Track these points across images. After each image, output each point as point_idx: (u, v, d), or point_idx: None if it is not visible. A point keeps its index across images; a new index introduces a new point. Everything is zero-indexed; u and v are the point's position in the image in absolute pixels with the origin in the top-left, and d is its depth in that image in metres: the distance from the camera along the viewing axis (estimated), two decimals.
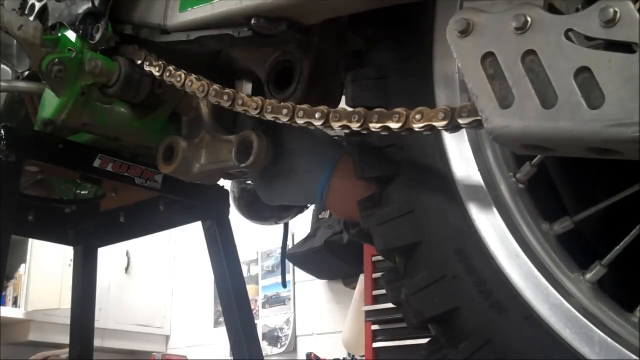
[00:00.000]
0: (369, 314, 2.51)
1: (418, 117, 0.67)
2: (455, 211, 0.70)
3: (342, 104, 0.84)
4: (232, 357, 1.30)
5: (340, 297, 3.98)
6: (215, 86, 0.86)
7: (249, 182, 1.09)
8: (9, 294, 5.03)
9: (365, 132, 0.71)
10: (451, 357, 0.68)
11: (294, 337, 4.81)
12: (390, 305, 2.03)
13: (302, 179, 0.94)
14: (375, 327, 2.49)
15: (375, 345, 2.47)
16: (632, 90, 0.52)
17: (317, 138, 0.95)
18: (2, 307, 4.76)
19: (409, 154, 0.75)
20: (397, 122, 0.68)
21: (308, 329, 4.65)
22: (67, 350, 1.51)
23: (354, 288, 3.17)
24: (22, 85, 1.10)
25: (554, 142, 0.58)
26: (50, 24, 1.03)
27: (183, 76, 0.89)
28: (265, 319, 5.02)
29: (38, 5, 1.07)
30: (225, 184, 1.18)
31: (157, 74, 0.93)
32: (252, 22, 0.79)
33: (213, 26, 0.85)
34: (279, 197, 0.98)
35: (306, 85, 0.96)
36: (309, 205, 1.20)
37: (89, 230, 1.41)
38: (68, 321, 1.43)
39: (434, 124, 0.65)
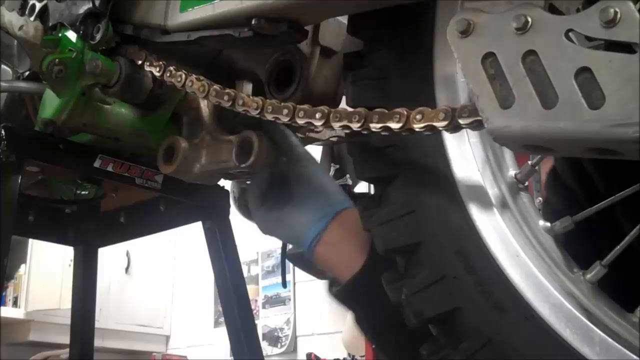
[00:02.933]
0: None
1: (418, 117, 0.67)
2: (455, 211, 0.70)
3: (342, 104, 0.84)
4: (232, 357, 1.30)
5: None
6: (216, 86, 0.86)
7: (249, 182, 1.09)
8: (9, 294, 5.03)
9: (365, 132, 0.71)
10: (451, 357, 0.68)
11: (294, 337, 4.81)
12: None
13: (296, 222, 0.92)
14: None
15: None
16: (632, 90, 0.52)
17: (324, 184, 0.93)
18: (2, 307, 4.77)
19: (409, 154, 0.75)
20: (398, 122, 0.68)
21: (308, 329, 4.65)
22: (67, 350, 1.51)
23: None
24: (22, 85, 1.10)
25: (554, 142, 0.58)
26: (50, 24, 1.03)
27: (183, 76, 0.89)
28: (265, 319, 5.02)
29: (38, 6, 1.06)
30: (226, 184, 1.18)
31: (157, 74, 0.93)
32: (253, 22, 0.79)
33: (213, 26, 0.85)
34: (270, 230, 0.97)
35: (306, 85, 0.96)
36: None
37: (89, 230, 1.41)
38: (68, 321, 1.44)
39: (435, 124, 0.65)
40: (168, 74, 0.91)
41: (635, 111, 0.51)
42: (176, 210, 1.29)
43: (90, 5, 0.97)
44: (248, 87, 1.05)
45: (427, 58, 0.75)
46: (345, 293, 0.90)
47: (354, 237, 0.89)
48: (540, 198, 1.24)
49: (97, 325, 1.48)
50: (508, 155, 0.73)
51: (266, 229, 0.97)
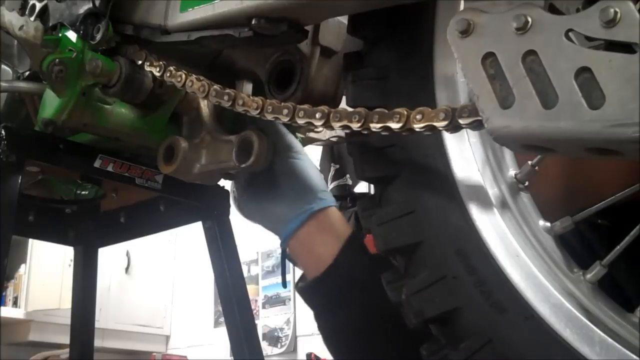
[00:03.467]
0: None
1: (418, 117, 0.67)
2: (455, 211, 0.70)
3: (343, 104, 0.84)
4: (232, 357, 1.30)
5: None
6: (216, 86, 0.86)
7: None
8: (9, 294, 5.04)
9: (365, 132, 0.71)
10: (451, 357, 0.68)
11: (294, 337, 4.81)
12: None
13: (275, 214, 0.93)
14: None
15: None
16: (632, 90, 0.52)
17: (308, 179, 0.93)
18: (2, 307, 4.78)
19: (409, 154, 0.75)
20: (398, 122, 0.68)
21: (308, 329, 4.65)
22: (67, 350, 1.51)
23: None
24: (22, 85, 1.10)
25: (555, 142, 0.58)
26: (50, 24, 1.03)
27: (183, 76, 0.89)
28: (265, 319, 5.02)
29: (38, 6, 1.06)
30: (226, 184, 1.18)
31: (157, 74, 0.93)
32: (253, 22, 0.79)
33: (214, 26, 0.85)
34: (251, 217, 0.98)
35: (306, 85, 0.96)
36: None
37: (89, 230, 1.41)
38: (68, 321, 1.43)
39: (435, 124, 0.66)
40: (168, 74, 0.91)
41: (635, 111, 0.51)
42: (176, 210, 1.29)
43: (91, 5, 0.97)
44: (248, 87, 1.05)
45: (427, 58, 0.75)
46: (307, 291, 0.92)
47: (327, 239, 0.90)
48: None
49: (97, 325, 1.48)
50: (508, 155, 0.73)
51: (248, 215, 0.99)
